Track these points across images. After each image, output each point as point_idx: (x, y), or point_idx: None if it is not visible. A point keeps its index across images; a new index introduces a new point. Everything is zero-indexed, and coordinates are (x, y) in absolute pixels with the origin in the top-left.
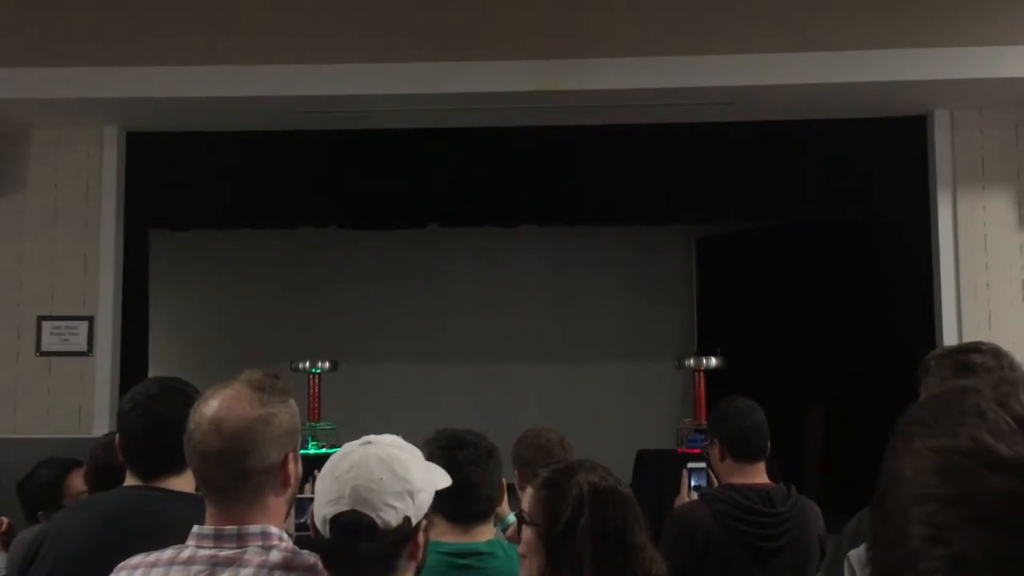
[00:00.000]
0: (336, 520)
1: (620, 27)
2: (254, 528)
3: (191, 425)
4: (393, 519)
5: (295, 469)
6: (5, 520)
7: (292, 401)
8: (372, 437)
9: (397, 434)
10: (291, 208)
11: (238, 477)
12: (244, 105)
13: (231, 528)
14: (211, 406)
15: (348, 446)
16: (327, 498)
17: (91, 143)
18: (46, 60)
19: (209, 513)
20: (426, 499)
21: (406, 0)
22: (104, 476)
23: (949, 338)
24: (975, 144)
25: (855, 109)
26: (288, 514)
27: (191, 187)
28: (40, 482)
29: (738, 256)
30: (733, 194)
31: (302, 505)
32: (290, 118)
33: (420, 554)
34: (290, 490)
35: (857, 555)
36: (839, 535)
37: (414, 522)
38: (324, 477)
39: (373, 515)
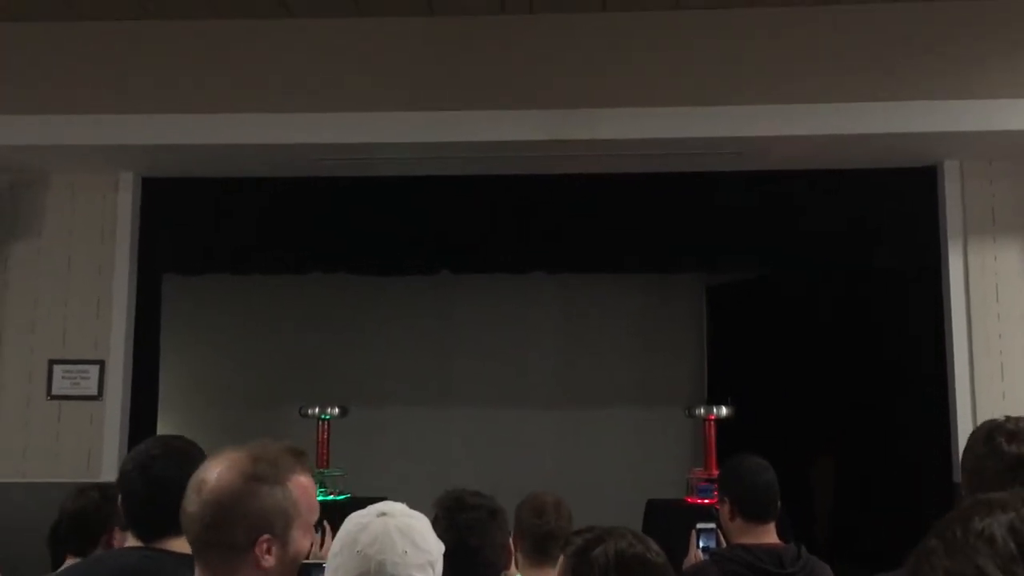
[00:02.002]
0: None
1: (631, 78)
2: None
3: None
4: None
5: (276, 555)
6: None
7: (293, 485)
8: (384, 507)
9: (407, 479)
10: (303, 254)
11: (203, 542)
12: (258, 152)
13: None
14: (207, 466)
15: (361, 517)
16: (351, 574)
17: (107, 188)
18: (62, 107)
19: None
20: (440, 567)
21: (419, 50)
22: (80, 530)
23: (961, 387)
24: (985, 194)
25: (865, 160)
26: None
27: (204, 232)
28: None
29: (749, 304)
30: (743, 242)
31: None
32: (303, 165)
33: None
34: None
35: None
36: None
37: None
38: (343, 552)
39: None
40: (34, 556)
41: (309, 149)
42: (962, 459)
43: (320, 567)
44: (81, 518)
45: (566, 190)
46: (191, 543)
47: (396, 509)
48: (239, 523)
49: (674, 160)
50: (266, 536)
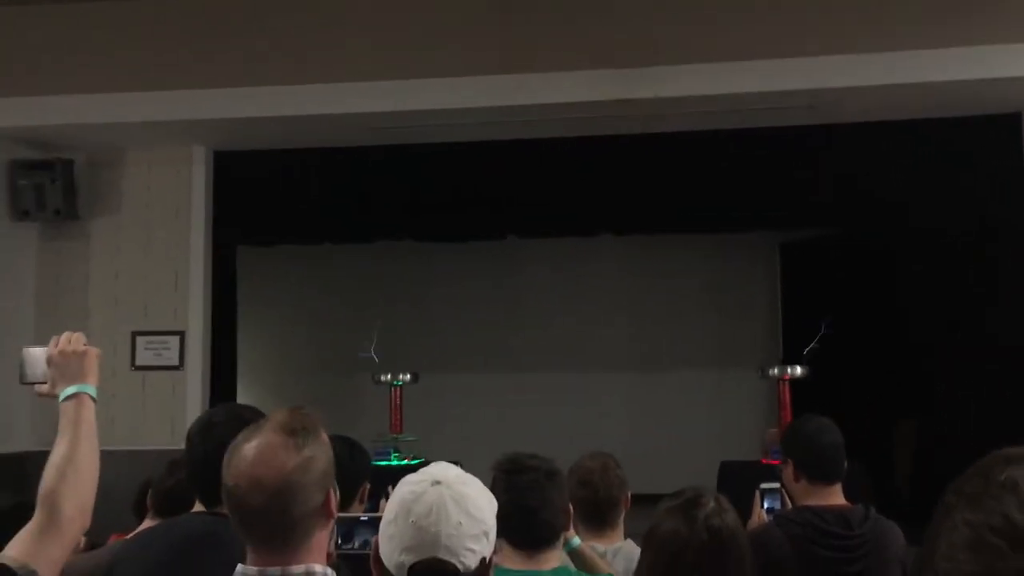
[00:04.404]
0: (415, 569)
1: (697, 33)
2: (298, 569)
3: (228, 480)
4: (472, 562)
5: (336, 500)
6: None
7: (324, 435)
8: (438, 473)
9: (477, 444)
10: (372, 222)
11: (285, 527)
12: (325, 122)
13: (275, 570)
14: (246, 459)
15: (415, 485)
16: (403, 544)
17: (181, 163)
18: (137, 85)
19: (251, 552)
20: (494, 534)
21: (481, 14)
22: (168, 499)
23: None
24: None
25: (943, 108)
26: (330, 540)
27: (274, 203)
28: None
29: (824, 261)
30: (817, 198)
31: (349, 526)
32: (370, 134)
33: None
34: (332, 520)
35: None
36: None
37: (487, 560)
38: (396, 520)
39: (455, 561)
40: (120, 524)
41: (374, 118)
42: None
43: (365, 522)
44: (172, 492)
45: (632, 151)
46: (263, 532)
47: (450, 476)
48: (315, 489)
49: (743, 116)
50: (330, 486)
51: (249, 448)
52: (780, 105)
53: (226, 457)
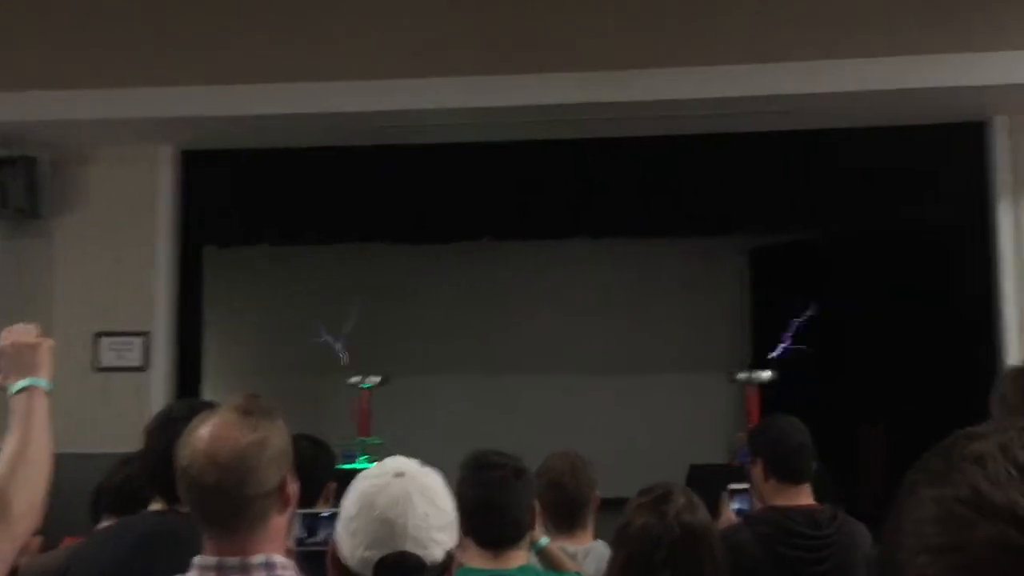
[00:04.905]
0: (384, 562)
1: (672, 37)
2: (257, 559)
3: (183, 460)
4: (439, 554)
5: (294, 488)
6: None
7: (281, 420)
8: (398, 465)
9: (448, 448)
10: (341, 223)
11: (240, 506)
12: (296, 122)
13: (234, 560)
14: (201, 438)
15: (376, 478)
16: (368, 539)
17: (147, 162)
18: (103, 81)
19: (209, 542)
20: (456, 526)
21: (455, 15)
22: (118, 496)
23: (1012, 348)
24: None
25: (913, 116)
26: (288, 532)
27: (243, 204)
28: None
29: (793, 266)
30: (788, 203)
31: (312, 521)
32: (342, 134)
33: None
34: (290, 509)
35: None
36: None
37: (452, 552)
38: (359, 515)
39: (423, 553)
40: (81, 528)
41: (346, 118)
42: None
43: (327, 518)
44: (127, 485)
45: (608, 154)
46: (219, 514)
47: (412, 468)
48: (270, 469)
49: (717, 121)
50: (287, 470)
51: (204, 429)
52: (752, 110)
53: (180, 441)
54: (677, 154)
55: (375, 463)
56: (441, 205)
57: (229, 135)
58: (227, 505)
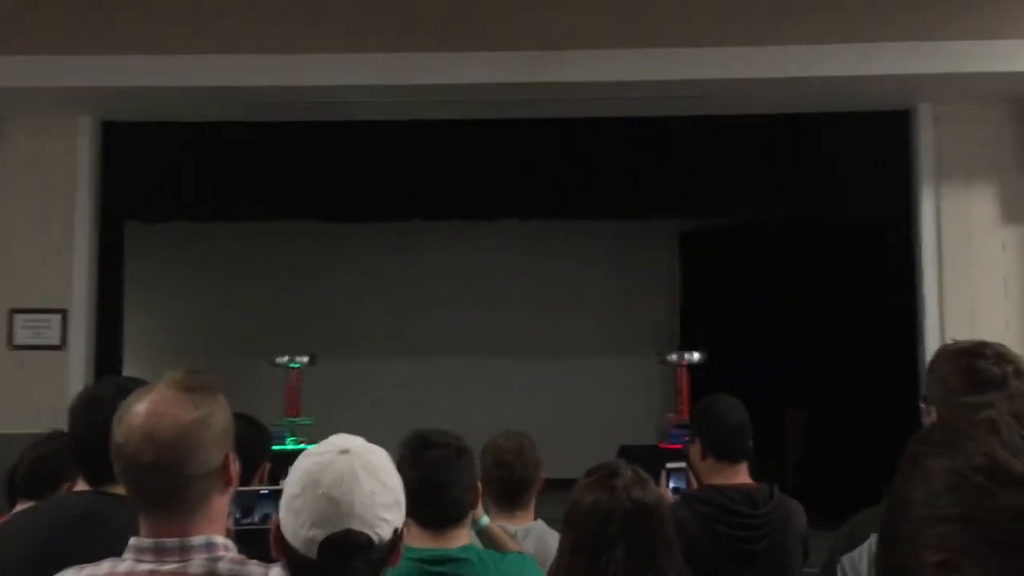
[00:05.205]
0: (329, 541)
1: (600, 19)
2: (198, 539)
3: (118, 438)
4: (386, 533)
5: (236, 468)
6: None
7: (223, 397)
8: (343, 443)
9: (376, 428)
10: (269, 200)
11: (179, 485)
12: (222, 95)
13: (172, 541)
14: (138, 414)
15: (320, 456)
16: (313, 518)
17: (66, 133)
18: (20, 48)
19: (146, 524)
20: (404, 505)
21: None
22: (31, 476)
23: (931, 336)
24: (959, 139)
25: (838, 103)
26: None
27: (167, 178)
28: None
29: (722, 251)
30: (715, 188)
31: (249, 500)
32: (269, 109)
33: (397, 560)
34: (232, 488)
35: (850, 560)
36: (834, 537)
37: (400, 531)
38: (304, 494)
39: (369, 532)
40: None
41: (272, 92)
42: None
43: (266, 496)
44: (40, 465)
45: (537, 135)
46: (157, 493)
47: (357, 445)
48: (213, 447)
49: (644, 104)
50: (228, 449)
51: (140, 405)
52: (678, 94)
53: (116, 418)
54: (607, 137)
55: (304, 443)
56: (369, 184)
57: (152, 107)
58: (166, 484)
